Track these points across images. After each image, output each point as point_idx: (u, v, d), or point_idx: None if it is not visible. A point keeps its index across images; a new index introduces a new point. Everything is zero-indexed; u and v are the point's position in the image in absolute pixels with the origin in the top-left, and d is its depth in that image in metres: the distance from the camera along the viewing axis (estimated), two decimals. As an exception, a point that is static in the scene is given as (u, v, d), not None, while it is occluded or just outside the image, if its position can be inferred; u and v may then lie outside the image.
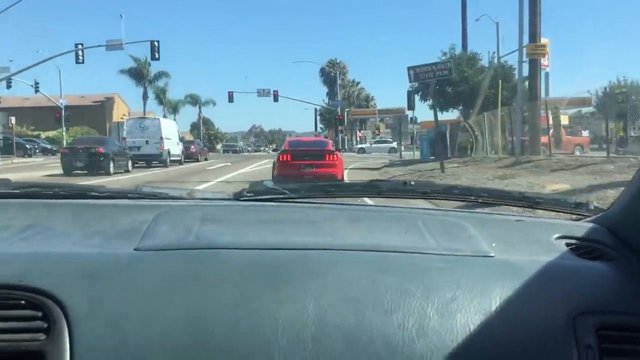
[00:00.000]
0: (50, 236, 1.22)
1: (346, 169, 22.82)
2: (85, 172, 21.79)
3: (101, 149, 22.16)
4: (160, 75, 69.00)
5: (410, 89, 27.24)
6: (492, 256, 1.13)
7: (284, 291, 0.98)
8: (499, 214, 1.62)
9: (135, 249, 1.11)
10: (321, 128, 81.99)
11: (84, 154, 21.95)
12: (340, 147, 60.26)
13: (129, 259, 1.07)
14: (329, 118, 74.07)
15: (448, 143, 27.18)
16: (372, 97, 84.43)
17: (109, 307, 0.95)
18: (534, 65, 20.39)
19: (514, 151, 21.25)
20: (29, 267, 1.02)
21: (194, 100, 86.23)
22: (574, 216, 1.57)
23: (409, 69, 17.71)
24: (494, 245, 1.19)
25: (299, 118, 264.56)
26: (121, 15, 37.99)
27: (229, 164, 31.92)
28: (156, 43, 36.20)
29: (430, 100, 27.83)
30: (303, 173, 14.54)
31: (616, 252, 1.20)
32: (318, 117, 78.23)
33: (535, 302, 1.00)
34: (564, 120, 29.86)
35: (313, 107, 77.57)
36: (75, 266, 1.04)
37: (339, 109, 64.63)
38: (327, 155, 15.20)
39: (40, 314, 0.95)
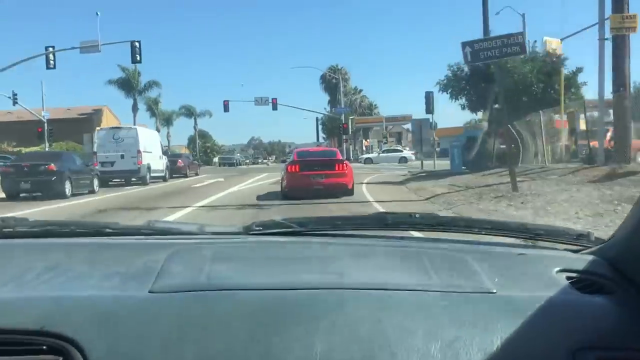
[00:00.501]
0: (68, 278, 1.26)
1: (361, 183, 19.23)
2: (33, 194, 17.64)
3: (53, 166, 17.83)
4: (151, 85, 64.71)
5: (442, 84, 22.78)
6: (494, 292, 1.14)
7: (293, 332, 1.00)
8: (502, 244, 1.63)
9: (149, 291, 1.13)
10: (323, 138, 77.63)
11: (31, 172, 17.67)
12: (345, 157, 55.57)
13: (144, 301, 1.10)
14: (331, 127, 69.63)
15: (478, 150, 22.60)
16: (375, 104, 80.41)
17: (125, 350, 0.98)
18: (621, 43, 14.93)
19: (591, 158, 16.56)
20: (50, 312, 1.06)
21: (188, 112, 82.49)
22: (575, 247, 1.54)
23: (463, 45, 13.11)
24: (496, 280, 1.20)
25: (298, 129, 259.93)
26: (97, 13, 32.57)
27: (222, 179, 27.73)
28: (137, 44, 31.42)
29: (464, 98, 23.38)
30: (312, 183, 14.33)
31: (616, 285, 1.20)
32: (320, 127, 73.87)
33: (536, 338, 1.00)
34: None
35: (313, 117, 73.54)
36: (93, 310, 1.07)
37: (342, 117, 59.92)
38: (337, 165, 14.85)
39: (60, 358, 0.99)
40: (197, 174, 34.88)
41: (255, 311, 1.06)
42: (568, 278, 1.25)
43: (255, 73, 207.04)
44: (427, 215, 1.85)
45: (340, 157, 16.28)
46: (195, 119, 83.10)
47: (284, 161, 35.75)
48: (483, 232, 1.65)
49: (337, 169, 14.77)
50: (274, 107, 55.67)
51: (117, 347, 0.98)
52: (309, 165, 14.84)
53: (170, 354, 0.97)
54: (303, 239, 1.59)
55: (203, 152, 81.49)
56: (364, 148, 66.42)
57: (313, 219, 1.72)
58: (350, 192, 14.92)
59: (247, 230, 1.61)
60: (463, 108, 24.10)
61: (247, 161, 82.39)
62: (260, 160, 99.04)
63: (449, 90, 23.35)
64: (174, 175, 30.62)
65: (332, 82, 74.85)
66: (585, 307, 1.11)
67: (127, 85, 62.41)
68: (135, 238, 1.58)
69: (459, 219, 1.92)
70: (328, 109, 72.07)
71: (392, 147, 57.65)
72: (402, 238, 1.65)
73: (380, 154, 55.41)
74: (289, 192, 14.68)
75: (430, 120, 28.85)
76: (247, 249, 1.49)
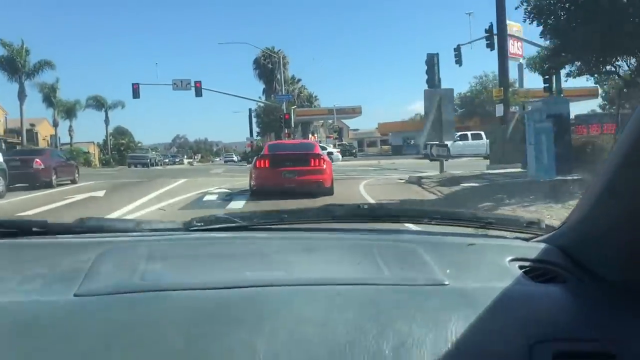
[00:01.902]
0: None
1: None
2: None
3: None
4: (42, 66, 51.45)
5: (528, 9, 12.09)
6: (446, 284, 1.12)
7: (234, 336, 0.94)
8: (453, 234, 1.60)
9: (75, 295, 1.05)
10: (257, 133, 66.29)
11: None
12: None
13: (68, 306, 1.02)
14: (267, 121, 58.45)
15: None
16: (315, 96, 69.82)
17: None
18: None
19: None
20: None
21: (98, 103, 69.64)
22: (526, 235, 1.53)
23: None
24: (447, 271, 1.18)
25: (228, 125, 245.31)
26: None
27: (100, 193, 16.55)
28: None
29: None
30: (284, 181, 12.84)
31: (569, 272, 1.20)
32: (254, 120, 62.47)
33: (491, 331, 0.98)
34: None
35: (245, 110, 62.34)
36: (10, 318, 0.98)
37: (284, 106, 49.08)
38: (313, 160, 13.41)
39: None
40: (73, 181, 22.47)
41: (192, 314, 0.99)
42: (521, 267, 1.24)
43: (174, 54, 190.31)
44: (375, 206, 2.22)
45: (318, 152, 14.42)
46: (106, 112, 70.57)
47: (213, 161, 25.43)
48: (433, 222, 1.64)
49: (312, 164, 13.27)
50: (198, 93, 43.94)
51: (35, 359, 0.90)
52: (280, 160, 13.34)
53: None
54: (247, 234, 1.54)
55: (117, 150, 68.70)
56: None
57: (258, 212, 1.69)
58: (329, 192, 13.06)
59: (187, 226, 1.55)
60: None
61: (166, 161, 69.24)
62: (178, 160, 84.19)
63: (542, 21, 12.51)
64: (21, 187, 18.55)
65: (267, 68, 63.73)
66: (539, 298, 1.09)
67: (11, 65, 49.39)
68: (64, 237, 1.47)
69: (408, 209, 2.02)
70: (263, 99, 60.69)
71: (348, 144, 46.68)
72: (351, 230, 1.62)
73: (335, 151, 44.57)
74: (257, 191, 13.19)
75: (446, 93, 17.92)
76: (186, 246, 1.41)
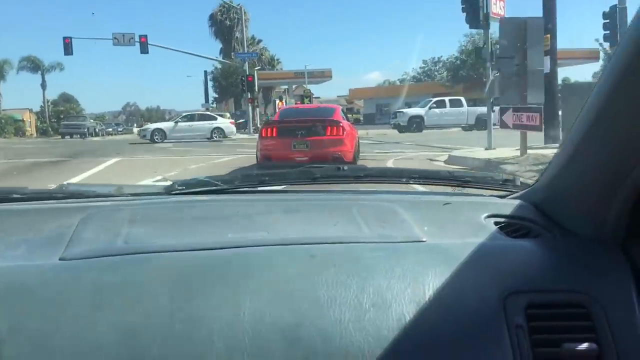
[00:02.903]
0: None
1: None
2: None
3: None
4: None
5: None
6: (423, 241, 1.15)
7: (219, 294, 0.96)
8: (431, 193, 1.66)
9: (60, 259, 1.06)
10: (214, 99, 59.21)
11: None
12: (252, 125, 39.33)
13: (54, 270, 1.03)
14: (226, 85, 51.47)
15: None
16: (277, 59, 62.65)
17: (32, 325, 0.91)
18: None
19: None
20: None
21: (34, 65, 61.53)
22: (502, 192, 1.56)
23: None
24: (425, 229, 1.21)
25: (182, 93, 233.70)
26: None
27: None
28: None
29: None
30: (293, 154, 10.69)
31: (542, 228, 1.23)
32: (210, 85, 55.40)
33: (467, 285, 1.01)
34: None
35: (199, 75, 55.06)
36: None
37: (246, 67, 41.57)
38: (329, 128, 10.99)
39: None
40: None
41: (177, 274, 1.00)
42: (496, 223, 1.27)
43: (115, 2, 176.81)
44: (355, 167, 1.86)
45: (337, 118, 11.67)
46: (42, 75, 62.58)
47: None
48: (411, 182, 1.66)
49: (329, 132, 10.88)
50: (143, 49, 36.99)
51: (24, 323, 0.91)
52: (290, 128, 11.08)
53: (84, 326, 0.90)
54: (228, 197, 1.55)
55: (56, 118, 60.59)
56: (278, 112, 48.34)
57: (239, 175, 1.68)
58: None
59: (169, 190, 1.55)
60: None
61: (110, 130, 60.43)
62: (122, 130, 69.05)
63: None
64: None
65: (225, 25, 56.32)
66: (514, 252, 1.12)
67: None
68: (46, 203, 1.46)
69: (387, 169, 2.06)
70: (220, 59, 53.39)
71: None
72: (331, 191, 1.65)
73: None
74: (264, 165, 10.99)
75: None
76: (168, 209, 1.42)
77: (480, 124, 29.06)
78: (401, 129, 33.45)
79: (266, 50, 60.60)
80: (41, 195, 1.52)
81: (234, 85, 46.95)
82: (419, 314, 0.95)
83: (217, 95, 57.90)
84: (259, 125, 45.13)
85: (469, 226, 1.25)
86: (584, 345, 0.94)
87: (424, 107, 35.80)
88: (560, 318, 0.98)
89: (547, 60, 18.03)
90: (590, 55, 42.16)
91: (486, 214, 1.31)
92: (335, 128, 11.12)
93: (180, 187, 1.55)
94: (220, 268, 1.02)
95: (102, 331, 0.90)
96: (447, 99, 36.58)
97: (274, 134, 11.39)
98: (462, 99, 35.59)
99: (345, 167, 1.72)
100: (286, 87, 58.74)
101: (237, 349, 0.89)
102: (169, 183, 1.60)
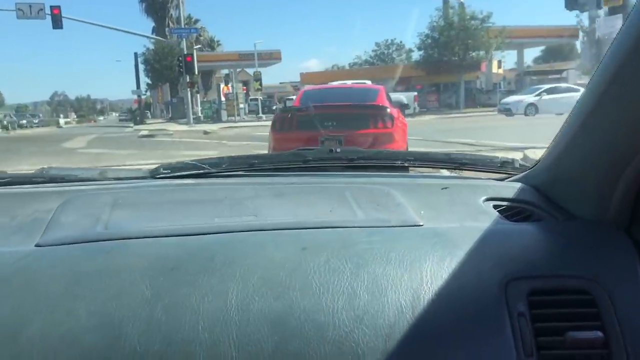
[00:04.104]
0: None
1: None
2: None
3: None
4: None
5: None
6: (420, 225, 1.12)
7: (205, 282, 0.93)
8: (426, 176, 1.63)
9: (36, 245, 1.04)
10: (147, 85, 52.39)
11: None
12: (192, 114, 32.87)
13: (30, 256, 1.00)
14: (159, 68, 44.87)
15: None
16: (218, 41, 56.53)
17: (5, 313, 0.89)
18: None
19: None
20: None
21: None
22: (500, 175, 1.53)
23: None
24: (422, 212, 1.18)
25: (113, 82, 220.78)
26: None
27: None
28: None
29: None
30: None
31: (543, 211, 1.20)
32: (141, 68, 48.50)
33: (466, 271, 0.98)
34: None
35: (129, 59, 48.23)
36: None
37: (183, 45, 34.95)
38: (374, 118, 7.29)
39: None
40: None
41: (160, 261, 0.97)
42: (495, 207, 1.24)
43: None
44: (348, 149, 1.68)
45: (384, 103, 7.83)
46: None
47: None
48: (407, 164, 1.61)
49: (372, 124, 7.18)
50: (56, 23, 30.32)
51: None
52: (317, 119, 7.08)
53: (60, 314, 0.88)
54: (215, 181, 1.49)
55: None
56: (222, 98, 38.15)
57: (226, 159, 1.61)
58: None
59: (154, 174, 1.51)
60: None
61: (24, 122, 51.33)
62: (37, 122, 59.13)
63: None
64: None
65: (157, 1, 50.05)
66: (514, 236, 1.09)
67: None
68: (25, 187, 1.42)
69: (382, 152, 1.85)
70: (152, 44, 46.61)
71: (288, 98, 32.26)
72: (323, 175, 1.59)
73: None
74: None
75: None
76: (152, 193, 1.38)
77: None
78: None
79: (205, 31, 54.52)
80: (20, 180, 1.48)
81: (169, 68, 41.55)
82: (415, 302, 0.92)
83: (150, 81, 51.30)
84: (200, 115, 39.23)
85: (467, 210, 1.21)
86: (589, 333, 0.91)
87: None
88: (565, 305, 0.95)
89: (614, 20, 13.25)
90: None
91: (485, 197, 1.27)
92: (381, 118, 7.41)
93: (166, 171, 1.50)
94: (205, 254, 0.98)
95: (79, 320, 0.87)
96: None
97: (293, 127, 7.74)
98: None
99: (338, 149, 1.65)
100: (228, 71, 52.14)
101: (223, 338, 0.86)
102: (154, 167, 1.53)
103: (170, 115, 44.36)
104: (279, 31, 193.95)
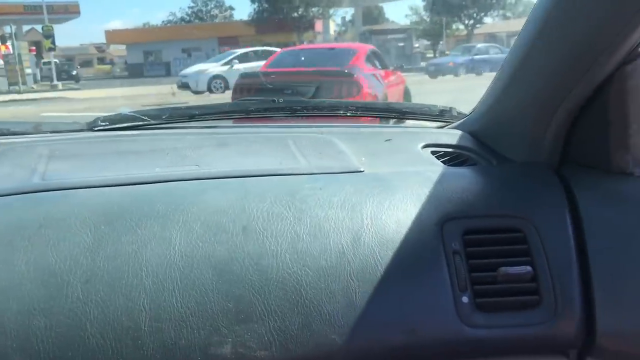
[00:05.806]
0: None
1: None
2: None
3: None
4: None
5: None
6: (361, 171, 1.14)
7: (147, 229, 0.93)
8: (368, 125, 1.65)
9: None
10: None
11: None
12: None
13: None
14: None
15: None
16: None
17: None
18: None
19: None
20: None
21: None
22: (439, 123, 1.57)
23: None
24: (363, 159, 1.21)
25: None
26: None
27: None
28: None
29: None
30: None
31: (479, 156, 1.25)
32: None
33: (405, 213, 1.01)
34: None
35: None
36: None
37: None
38: (339, 88, 6.47)
39: None
40: None
41: (101, 211, 0.96)
42: (433, 153, 1.28)
43: None
44: (291, 100, 1.68)
45: (354, 68, 7.12)
46: None
47: None
48: (349, 114, 1.63)
49: (337, 95, 6.27)
50: None
51: None
52: (278, 88, 5.58)
53: None
54: (156, 132, 1.46)
55: None
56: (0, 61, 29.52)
57: (167, 110, 1.56)
58: None
59: (91, 126, 1.47)
60: None
61: None
62: None
63: None
64: None
65: None
66: (451, 179, 1.12)
67: None
68: None
69: (324, 102, 1.77)
70: None
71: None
72: (265, 126, 1.60)
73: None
74: None
75: None
76: (90, 145, 1.34)
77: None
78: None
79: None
80: None
81: None
82: (357, 243, 0.95)
83: None
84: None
85: (406, 156, 1.25)
86: (519, 269, 0.96)
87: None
88: (497, 243, 0.99)
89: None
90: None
91: (423, 144, 1.31)
92: (346, 86, 6.48)
93: (104, 123, 1.47)
94: (147, 203, 0.98)
95: (19, 272, 0.86)
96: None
97: (251, 94, 6.04)
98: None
99: (281, 100, 1.63)
100: (10, 28, 42.28)
101: (166, 285, 0.87)
102: (91, 119, 1.48)
103: None
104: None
